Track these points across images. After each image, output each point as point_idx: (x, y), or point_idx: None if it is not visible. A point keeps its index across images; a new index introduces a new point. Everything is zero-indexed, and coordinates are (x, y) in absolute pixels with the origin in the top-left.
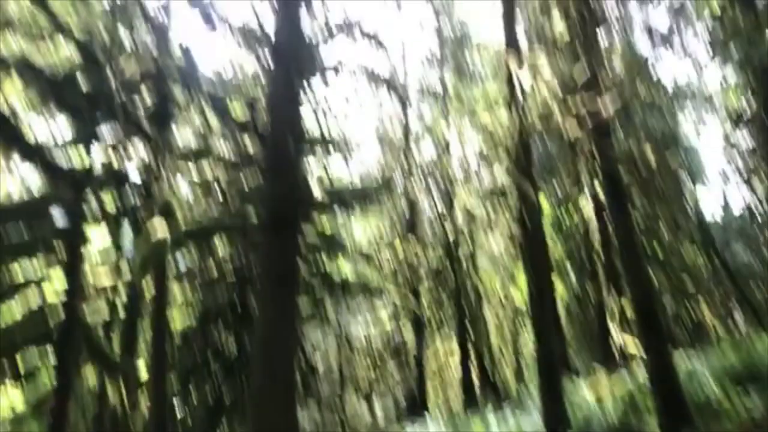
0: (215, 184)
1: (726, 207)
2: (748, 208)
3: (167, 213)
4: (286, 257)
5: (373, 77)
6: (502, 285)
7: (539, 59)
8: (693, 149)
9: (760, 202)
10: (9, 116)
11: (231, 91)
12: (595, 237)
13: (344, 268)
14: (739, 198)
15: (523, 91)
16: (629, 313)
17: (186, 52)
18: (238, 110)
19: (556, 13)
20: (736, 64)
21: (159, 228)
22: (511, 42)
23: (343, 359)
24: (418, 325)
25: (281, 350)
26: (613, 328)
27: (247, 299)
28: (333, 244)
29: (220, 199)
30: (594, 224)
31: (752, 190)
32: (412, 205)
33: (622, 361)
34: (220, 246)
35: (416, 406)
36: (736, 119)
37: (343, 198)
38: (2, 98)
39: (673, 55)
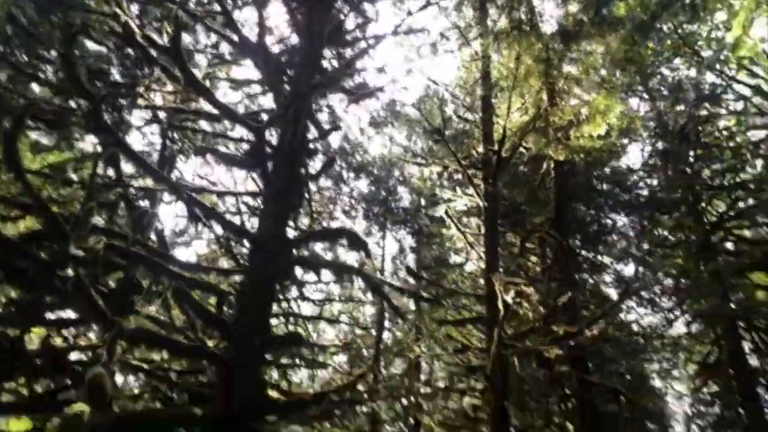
0: (165, 374)
1: None
2: None
3: (99, 397)
4: None
5: (350, 275)
6: None
7: (521, 283)
8: (659, 392)
9: None
10: None
11: (201, 283)
12: None
13: None
14: None
15: (506, 308)
16: None
17: (161, 236)
18: (205, 303)
19: (531, 247)
20: (701, 315)
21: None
22: (494, 265)
23: None
24: None
25: None
26: None
27: None
28: None
29: (168, 391)
30: None
31: None
32: (373, 421)
33: None
34: None
35: None
36: (701, 367)
37: (302, 408)
38: None
39: (640, 303)
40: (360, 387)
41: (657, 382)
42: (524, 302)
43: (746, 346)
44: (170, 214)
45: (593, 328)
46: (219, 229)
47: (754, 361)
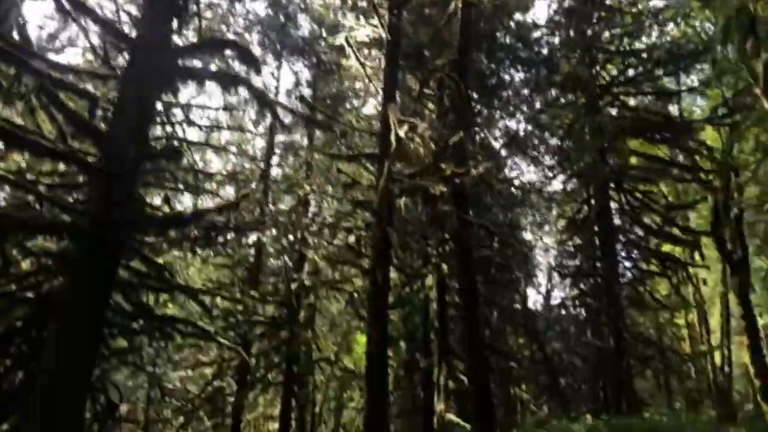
0: (34, 187)
1: (547, 297)
2: (563, 302)
3: None
4: (100, 268)
5: (237, 86)
6: (338, 350)
7: (416, 120)
8: (529, 244)
9: (575, 297)
10: None
11: (72, 86)
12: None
13: (168, 305)
14: (560, 291)
15: (398, 141)
16: (454, 387)
17: (23, 32)
18: (75, 106)
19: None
20: (578, 174)
21: None
22: (391, 99)
23: (151, 400)
24: (242, 376)
25: (74, 380)
26: (439, 403)
27: (44, 321)
28: (160, 276)
29: (38, 205)
30: (434, 295)
31: (572, 285)
32: (259, 253)
33: None
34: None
35: None
36: (569, 222)
37: (181, 225)
38: None
39: (524, 158)
40: (244, 213)
41: (528, 235)
42: (416, 138)
43: (613, 205)
44: (37, 13)
45: (479, 168)
46: (95, 38)
47: (617, 220)
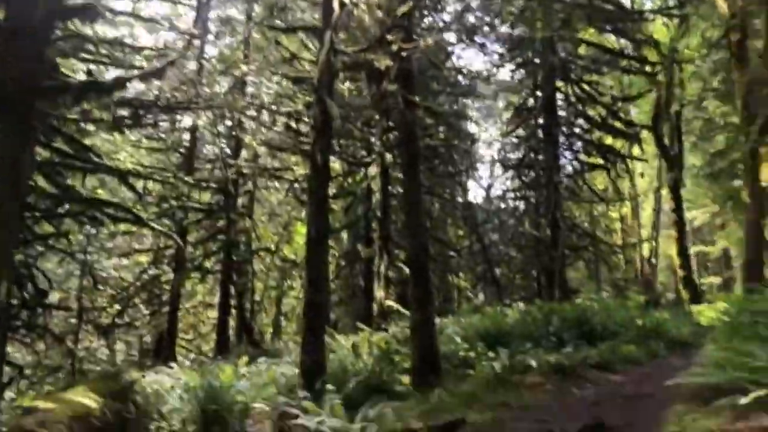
0: None
1: (488, 189)
2: (504, 194)
3: None
4: (12, 137)
5: None
6: (278, 240)
7: None
8: (473, 137)
9: (517, 189)
10: None
11: None
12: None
13: (98, 191)
14: (501, 185)
15: (342, 6)
16: (394, 275)
17: None
18: None
19: None
20: (527, 63)
21: None
22: None
23: (84, 289)
24: (179, 264)
25: None
26: (378, 290)
27: None
28: (86, 158)
29: None
30: (377, 185)
31: (513, 177)
32: (193, 138)
33: (382, 321)
34: None
35: (163, 346)
36: (515, 113)
37: (100, 91)
38: None
39: (472, 46)
40: (176, 93)
41: (473, 127)
42: (361, 5)
43: (559, 97)
44: None
45: (428, 40)
46: None
47: (562, 112)
